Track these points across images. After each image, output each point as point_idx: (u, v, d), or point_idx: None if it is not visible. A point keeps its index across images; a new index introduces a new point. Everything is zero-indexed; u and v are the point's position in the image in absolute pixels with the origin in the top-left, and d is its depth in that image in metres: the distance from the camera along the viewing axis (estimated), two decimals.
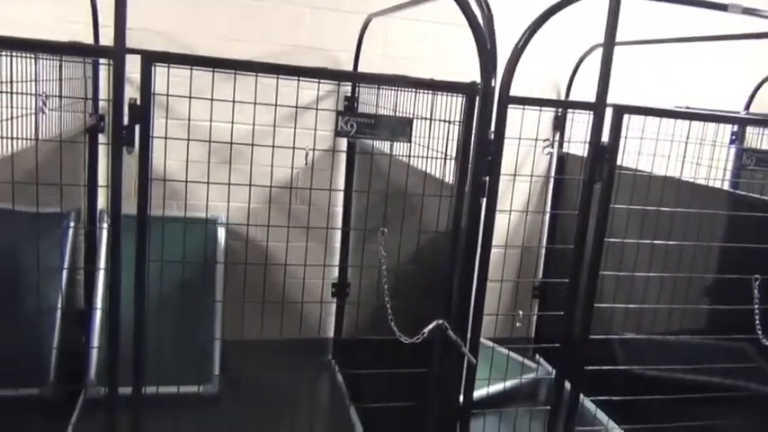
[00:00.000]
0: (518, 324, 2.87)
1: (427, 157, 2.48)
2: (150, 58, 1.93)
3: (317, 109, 3.22)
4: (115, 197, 1.92)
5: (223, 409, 3.33)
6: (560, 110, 3.96)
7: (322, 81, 2.35)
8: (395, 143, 2.59)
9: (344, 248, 3.81)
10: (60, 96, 2.54)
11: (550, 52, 3.98)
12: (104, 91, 3.26)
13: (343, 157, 3.77)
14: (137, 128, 1.93)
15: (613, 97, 2.26)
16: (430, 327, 2.26)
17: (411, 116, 2.40)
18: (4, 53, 2.02)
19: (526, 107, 2.38)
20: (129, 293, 2.08)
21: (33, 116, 2.18)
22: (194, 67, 2.01)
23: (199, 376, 3.36)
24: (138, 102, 1.92)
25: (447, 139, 2.34)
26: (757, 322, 2.54)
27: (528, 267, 4.17)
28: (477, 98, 2.19)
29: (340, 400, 3.46)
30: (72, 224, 3.26)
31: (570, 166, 3.89)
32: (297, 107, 2.33)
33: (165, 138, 2.01)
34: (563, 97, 4.06)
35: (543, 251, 4.07)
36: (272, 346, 3.68)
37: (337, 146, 3.67)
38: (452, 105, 2.30)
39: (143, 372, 2.14)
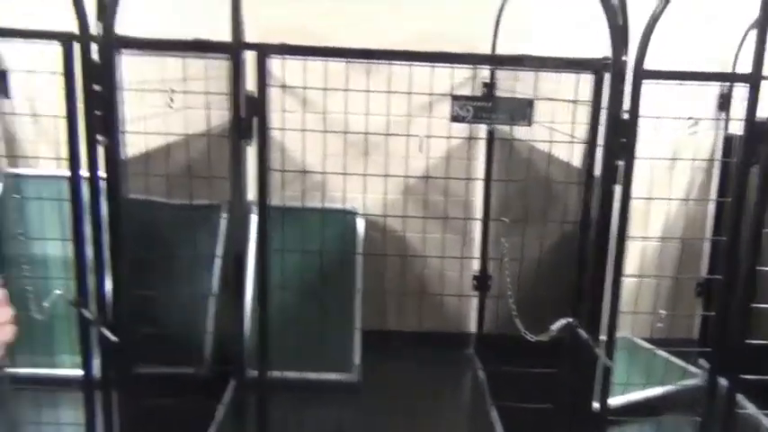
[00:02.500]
0: (659, 325, 2.59)
1: (559, 142, 2.31)
2: (265, 52, 1.98)
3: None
4: (235, 189, 2.00)
5: (363, 398, 3.37)
6: (725, 87, 3.53)
7: (449, 66, 2.28)
8: (536, 129, 2.44)
9: (485, 240, 3.69)
10: (206, 93, 2.69)
11: (712, 26, 3.55)
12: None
13: (482, 146, 3.65)
14: (254, 120, 2.00)
15: None
16: (558, 325, 2.10)
17: (533, 98, 2.25)
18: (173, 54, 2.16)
19: (666, 82, 2.12)
20: (277, 281, 2.14)
21: (178, 112, 2.33)
22: (310, 57, 2.03)
23: (340, 364, 3.43)
24: (255, 95, 1.98)
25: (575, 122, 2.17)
26: None
27: (692, 263, 3.77)
28: (608, 74, 2.00)
29: (480, 397, 3.36)
30: (223, 215, 3.47)
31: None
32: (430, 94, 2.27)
33: (283, 129, 2.05)
34: None
35: (707, 245, 3.66)
36: (412, 337, 3.68)
37: (476, 134, 3.56)
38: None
39: (268, 356, 2.21)
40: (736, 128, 3.52)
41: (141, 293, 2.11)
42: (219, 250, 3.52)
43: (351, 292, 3.46)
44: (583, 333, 2.09)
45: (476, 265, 3.74)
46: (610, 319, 2.11)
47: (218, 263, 3.45)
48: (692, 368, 3.57)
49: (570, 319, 2.11)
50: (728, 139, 3.54)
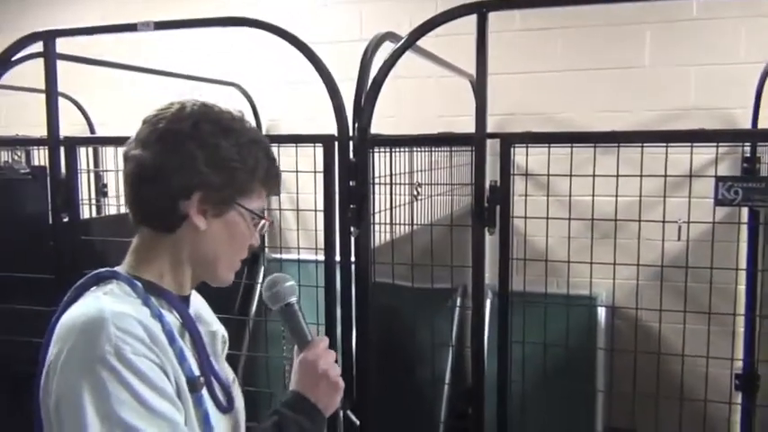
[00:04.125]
0: None
1: None
2: (509, 141, 1.99)
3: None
4: (477, 275, 1.99)
5: None
6: None
7: (708, 145, 2.11)
8: None
9: (751, 335, 3.24)
10: (451, 184, 2.79)
11: None
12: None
13: (744, 229, 3.27)
14: (497, 208, 1.99)
15: None
16: None
17: None
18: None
19: None
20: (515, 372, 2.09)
21: (418, 203, 2.42)
22: (553, 145, 2.00)
23: None
24: (498, 183, 1.99)
25: None
26: None
27: None
28: None
29: None
30: (459, 299, 3.48)
31: None
32: (688, 176, 2.10)
33: (525, 217, 2.02)
34: None
35: None
36: None
37: (735, 216, 3.20)
38: None
39: None
40: None
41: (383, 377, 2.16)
42: (453, 338, 3.52)
43: (591, 393, 3.21)
44: None
45: (739, 363, 3.29)
46: None
47: (451, 351, 3.44)
48: None
49: None
50: None
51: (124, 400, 0.96)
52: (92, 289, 1.09)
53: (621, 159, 2.04)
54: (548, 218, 2.01)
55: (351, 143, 2.12)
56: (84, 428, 0.94)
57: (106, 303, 1.03)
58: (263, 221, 1.17)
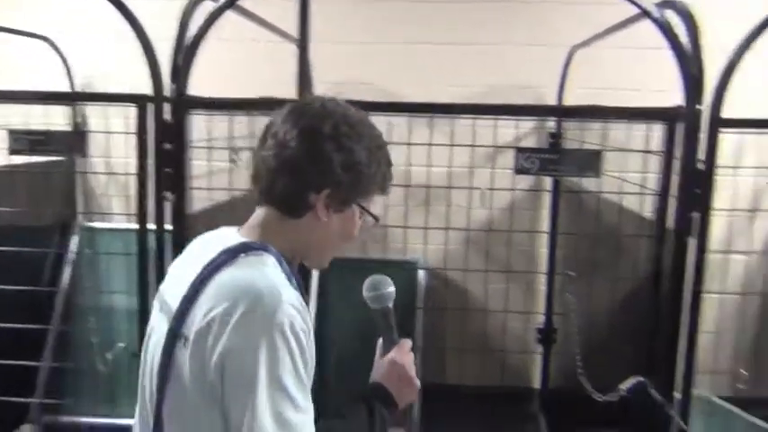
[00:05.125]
0: (739, 386, 2.41)
1: (629, 194, 2.25)
2: None
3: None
4: None
5: None
6: None
7: (514, 118, 2.26)
8: (605, 180, 2.38)
9: (550, 292, 3.58)
10: None
11: None
12: None
13: (548, 197, 3.59)
14: None
15: None
16: (629, 384, 2.00)
17: (602, 148, 2.20)
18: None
19: (745, 131, 2.04)
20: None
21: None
22: (372, 113, 2.04)
23: (399, 420, 3.35)
24: None
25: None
26: None
27: None
28: (681, 124, 1.94)
29: None
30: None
31: None
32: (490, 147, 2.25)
33: None
34: None
35: None
36: (473, 393, 3.57)
37: (542, 185, 3.50)
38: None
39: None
40: None
41: None
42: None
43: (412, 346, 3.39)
44: (655, 393, 1.97)
45: (540, 319, 3.63)
46: (685, 378, 1.99)
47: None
48: None
49: (642, 378, 2.00)
50: None
51: (288, 368, 1.09)
52: (241, 256, 1.19)
53: (442, 132, 2.14)
54: None
55: (167, 104, 2.02)
56: (256, 381, 1.08)
57: (274, 276, 1.15)
58: (370, 219, 1.30)
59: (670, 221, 2.00)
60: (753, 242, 3.11)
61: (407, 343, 1.37)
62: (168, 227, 2.08)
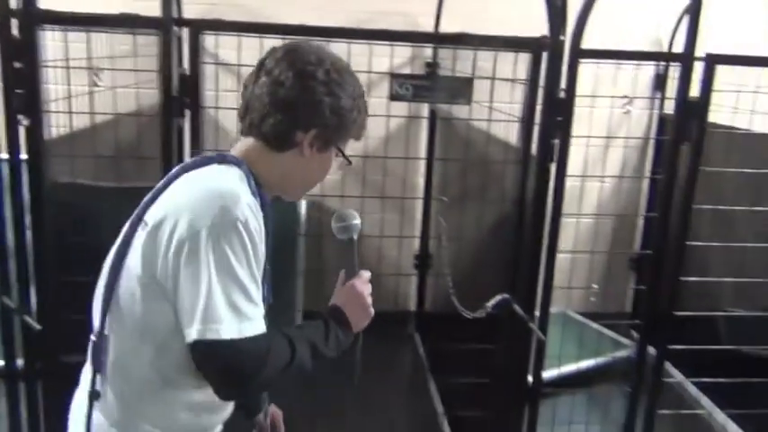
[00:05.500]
0: (592, 299, 2.66)
1: (497, 121, 2.33)
2: (199, 28, 1.92)
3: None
4: (167, 168, 1.93)
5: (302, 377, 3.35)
6: (661, 66, 3.63)
7: (389, 44, 2.25)
8: (476, 108, 2.44)
9: (426, 218, 3.71)
10: (136, 71, 2.58)
11: (650, 7, 3.64)
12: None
13: (425, 125, 3.65)
14: (187, 99, 1.93)
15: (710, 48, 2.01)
16: (494, 301, 2.14)
17: (472, 77, 2.26)
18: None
19: (603, 61, 2.16)
20: None
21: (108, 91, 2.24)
22: (244, 34, 1.97)
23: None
24: (188, 72, 1.92)
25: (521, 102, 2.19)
26: None
27: (626, 238, 3.90)
28: (545, 54, 2.02)
29: (420, 373, 3.40)
30: None
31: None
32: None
33: (216, 108, 1.99)
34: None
35: (641, 221, 3.78)
36: None
37: (418, 113, 3.55)
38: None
39: None
40: (672, 107, 3.64)
41: (66, 280, 2.02)
42: None
43: (292, 273, 3.42)
44: (518, 308, 2.12)
45: (416, 245, 3.76)
46: (543, 295, 2.15)
47: None
48: (625, 340, 3.70)
49: (506, 295, 2.14)
50: (663, 119, 3.65)
51: (242, 261, 1.18)
52: (214, 163, 1.30)
53: None
54: (217, 107, 2.01)
55: (15, 19, 1.84)
56: (210, 269, 1.16)
57: (237, 184, 1.25)
58: (343, 161, 1.41)
59: (534, 148, 2.10)
60: (606, 169, 3.36)
61: (366, 274, 1.49)
62: (24, 156, 1.94)
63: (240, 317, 1.18)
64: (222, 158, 1.32)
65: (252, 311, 1.20)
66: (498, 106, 2.27)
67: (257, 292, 1.21)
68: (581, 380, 2.96)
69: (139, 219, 1.26)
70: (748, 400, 2.64)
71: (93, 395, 1.30)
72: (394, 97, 2.03)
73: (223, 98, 2.16)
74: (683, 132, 2.10)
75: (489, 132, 2.37)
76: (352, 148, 1.85)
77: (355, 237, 1.49)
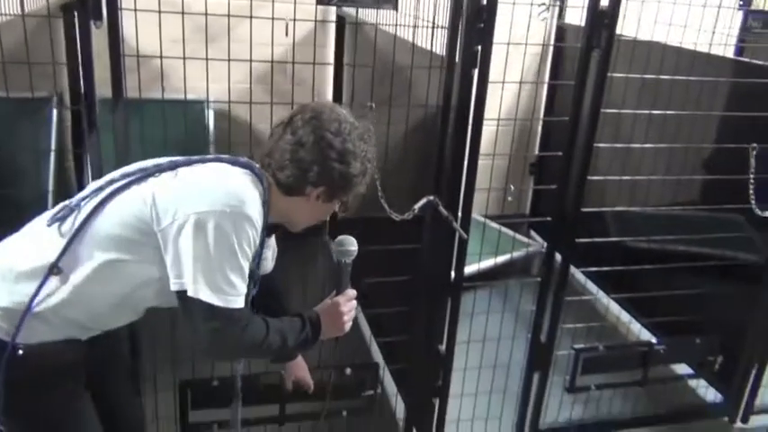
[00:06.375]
0: (509, 199, 2.84)
1: (417, 27, 2.36)
2: None
3: None
4: (87, 75, 1.84)
5: None
6: None
7: None
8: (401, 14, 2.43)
9: None
10: None
11: None
12: None
13: (332, 30, 3.60)
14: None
15: None
16: (421, 203, 2.24)
17: None
18: None
19: None
20: None
21: None
22: None
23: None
24: None
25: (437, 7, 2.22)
26: (751, 192, 2.52)
27: (524, 143, 4.11)
28: None
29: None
30: (55, 108, 3.17)
31: (570, 37, 3.73)
32: None
33: (135, 10, 1.89)
34: None
35: (540, 126, 3.99)
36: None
37: (327, 17, 3.49)
38: None
39: None
40: (569, 17, 3.79)
41: None
42: (52, 145, 3.24)
43: None
44: (443, 210, 2.24)
45: None
46: (465, 197, 2.28)
47: (52, 157, 3.18)
48: (523, 238, 3.99)
49: (431, 198, 2.24)
50: (561, 28, 3.81)
51: (239, 249, 1.44)
52: (241, 167, 1.55)
53: None
54: (160, 11, 1.91)
55: None
56: (209, 249, 1.41)
57: (255, 193, 1.50)
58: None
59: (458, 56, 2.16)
60: (522, 74, 3.49)
61: (352, 292, 1.75)
62: None
63: (221, 294, 1.42)
64: (250, 165, 1.56)
65: (241, 288, 1.45)
66: (420, 15, 2.29)
67: (245, 277, 1.47)
68: (493, 275, 3.20)
69: (150, 174, 1.50)
70: (632, 286, 2.97)
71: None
72: (320, 1, 2.00)
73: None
74: (593, 41, 2.23)
75: (414, 40, 2.39)
76: (259, 53, 1.95)
77: (350, 261, 1.73)
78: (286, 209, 1.60)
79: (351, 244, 1.73)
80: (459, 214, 2.29)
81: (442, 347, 2.44)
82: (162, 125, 2.15)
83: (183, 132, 3.26)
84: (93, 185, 1.53)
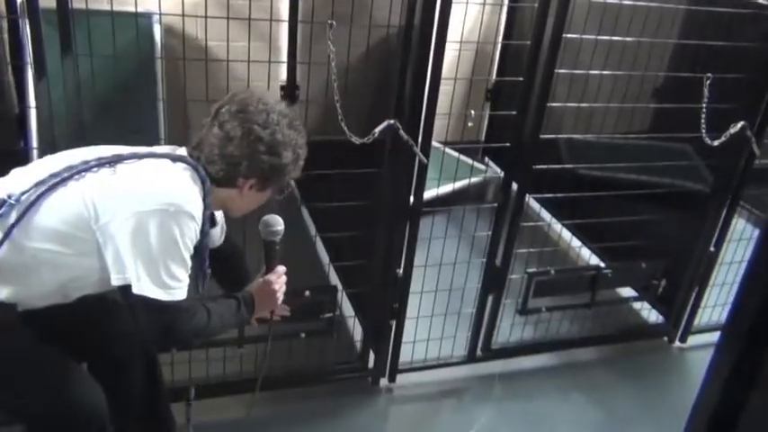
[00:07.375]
0: (470, 124, 2.82)
1: None
2: None
3: None
4: None
5: None
6: None
7: None
8: None
9: (292, 48, 3.60)
10: None
11: None
12: None
13: None
14: None
15: None
16: (381, 127, 2.21)
17: None
18: None
19: None
20: (60, 92, 1.95)
21: None
22: None
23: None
24: None
25: None
26: (703, 122, 2.57)
27: (482, 69, 4.07)
28: None
29: (292, 201, 3.48)
30: None
31: None
32: None
33: None
34: None
35: (498, 52, 3.95)
36: None
37: None
38: None
39: None
40: None
41: None
42: None
43: (153, 99, 3.24)
44: (404, 134, 2.22)
45: (283, 75, 3.67)
46: (426, 121, 2.26)
47: None
48: (479, 165, 4.02)
49: (392, 121, 2.21)
50: None
51: (181, 245, 1.49)
52: (180, 163, 1.56)
53: None
54: None
55: None
56: (151, 245, 1.45)
57: (195, 191, 1.53)
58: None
59: None
60: None
61: (281, 269, 1.81)
62: None
63: (165, 288, 1.47)
64: (179, 157, 1.55)
65: (184, 279, 1.51)
66: None
67: (187, 269, 1.52)
68: (451, 201, 3.23)
69: (90, 167, 1.49)
70: (583, 213, 3.04)
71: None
72: None
73: None
74: None
75: None
76: None
77: (277, 240, 1.79)
78: (221, 199, 1.63)
79: (277, 224, 1.78)
80: (420, 139, 2.28)
81: (400, 271, 2.47)
82: (110, 38, 2.05)
83: (132, 47, 3.11)
84: (34, 178, 1.49)
